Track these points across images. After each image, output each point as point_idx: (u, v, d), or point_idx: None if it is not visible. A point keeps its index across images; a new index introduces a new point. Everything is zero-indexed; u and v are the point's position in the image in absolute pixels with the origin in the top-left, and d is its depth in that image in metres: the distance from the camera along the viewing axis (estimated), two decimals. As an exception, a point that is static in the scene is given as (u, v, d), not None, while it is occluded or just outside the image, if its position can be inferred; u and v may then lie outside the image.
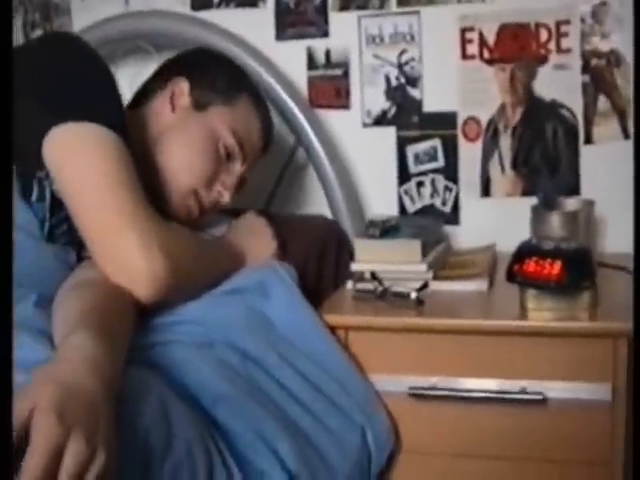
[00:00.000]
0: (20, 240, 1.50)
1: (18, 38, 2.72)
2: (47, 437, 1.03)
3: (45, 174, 1.56)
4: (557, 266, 1.64)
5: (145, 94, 1.90)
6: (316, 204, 2.38)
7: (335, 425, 1.63)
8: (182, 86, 1.85)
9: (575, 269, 1.66)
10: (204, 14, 2.46)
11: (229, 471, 1.40)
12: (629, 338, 1.61)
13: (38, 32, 2.69)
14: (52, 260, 1.58)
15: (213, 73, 1.90)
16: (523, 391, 1.68)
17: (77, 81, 1.61)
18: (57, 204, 1.57)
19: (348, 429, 1.65)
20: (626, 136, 2.22)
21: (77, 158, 1.53)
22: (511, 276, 1.72)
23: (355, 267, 1.94)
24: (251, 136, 1.91)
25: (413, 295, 1.78)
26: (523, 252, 1.71)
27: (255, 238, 1.88)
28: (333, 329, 1.75)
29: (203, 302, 1.64)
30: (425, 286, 1.82)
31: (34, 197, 1.57)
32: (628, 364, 1.63)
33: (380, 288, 1.83)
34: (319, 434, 1.60)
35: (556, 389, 1.67)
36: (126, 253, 1.48)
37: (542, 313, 1.69)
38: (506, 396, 1.69)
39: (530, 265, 1.68)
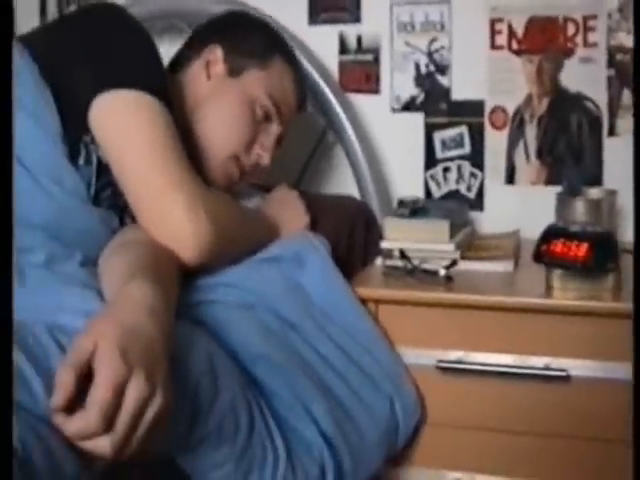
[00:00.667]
0: (68, 202, 1.54)
1: (53, 13, 2.76)
2: (112, 371, 1.07)
3: (91, 138, 1.59)
4: (584, 248, 1.68)
5: (180, 62, 1.92)
6: (345, 185, 2.41)
7: (366, 394, 1.67)
8: (216, 53, 1.87)
9: (601, 251, 1.69)
10: (238, -5, 2.49)
11: (268, 427, 1.46)
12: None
13: (73, 7, 2.72)
14: (97, 223, 1.61)
15: (246, 38, 1.91)
16: (547, 367, 1.72)
17: (122, 49, 1.64)
18: (103, 168, 1.61)
19: (378, 398, 1.69)
20: (649, 129, 2.25)
21: (123, 124, 1.57)
22: (538, 256, 1.75)
23: (385, 245, 1.96)
24: (286, 96, 1.93)
25: (442, 272, 1.83)
26: (551, 233, 1.75)
27: (288, 210, 1.91)
28: (364, 301, 1.78)
29: (243, 267, 1.68)
30: (454, 264, 1.85)
31: (81, 160, 1.60)
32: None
33: (409, 265, 1.87)
34: (351, 401, 1.64)
35: (579, 367, 1.70)
36: (173, 215, 1.52)
37: (567, 292, 1.72)
38: (530, 372, 1.72)
39: (557, 246, 1.71)
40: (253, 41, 1.91)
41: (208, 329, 1.49)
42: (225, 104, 1.84)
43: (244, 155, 1.87)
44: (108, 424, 1.06)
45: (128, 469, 1.23)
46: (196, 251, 1.54)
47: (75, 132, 1.59)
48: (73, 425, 1.06)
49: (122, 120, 1.58)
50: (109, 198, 1.65)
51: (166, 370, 1.17)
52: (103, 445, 1.07)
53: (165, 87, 1.68)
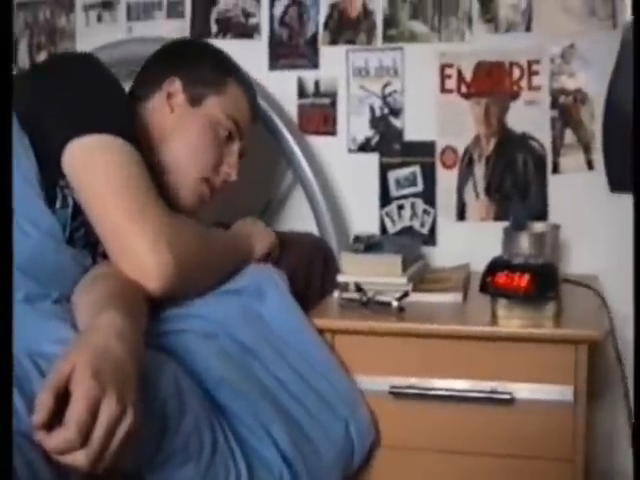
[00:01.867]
0: (44, 243, 1.62)
1: (24, 60, 2.84)
2: (86, 391, 1.17)
3: (66, 182, 1.66)
4: (525, 278, 1.77)
5: (139, 93, 1.98)
6: (304, 222, 2.47)
7: (322, 417, 1.75)
8: (176, 85, 1.93)
9: (541, 281, 1.78)
10: (203, 44, 2.59)
11: (230, 447, 1.54)
12: (589, 344, 1.75)
13: (43, 55, 2.81)
14: (71, 262, 1.67)
15: (199, 67, 1.98)
16: (493, 391, 1.80)
17: (91, 96, 1.71)
18: (77, 209, 1.68)
19: (334, 421, 1.77)
20: (590, 167, 2.35)
21: (91, 166, 1.64)
22: (484, 287, 1.83)
23: (341, 278, 2.04)
24: (243, 114, 2.01)
25: (394, 303, 1.91)
26: (495, 266, 1.83)
27: (255, 229, 2.02)
28: (321, 331, 1.86)
29: (207, 299, 1.75)
30: (405, 295, 1.94)
31: (58, 204, 1.66)
32: (589, 368, 1.76)
33: (364, 297, 1.95)
34: (308, 424, 1.72)
35: (523, 390, 1.79)
36: (136, 249, 1.59)
37: (511, 321, 1.80)
38: (478, 395, 1.81)
39: (501, 277, 1.79)
40: (207, 69, 1.98)
41: (175, 356, 1.57)
42: (192, 135, 1.92)
43: (213, 175, 1.96)
44: (84, 439, 1.16)
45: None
46: (159, 282, 1.60)
47: (51, 177, 1.66)
48: (53, 440, 1.15)
49: (90, 162, 1.64)
50: (82, 237, 1.71)
51: (135, 390, 1.26)
52: (80, 459, 1.16)
53: (133, 128, 1.76)
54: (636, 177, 1.67)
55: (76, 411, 1.16)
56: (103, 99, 1.74)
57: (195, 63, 2.00)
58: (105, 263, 1.69)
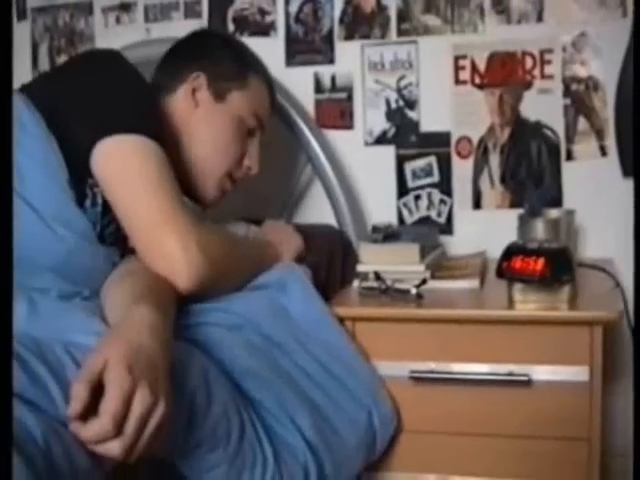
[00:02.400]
0: (76, 244, 1.65)
1: (44, 63, 2.90)
2: (119, 385, 1.21)
3: (94, 181, 1.68)
4: (540, 262, 1.79)
5: (162, 86, 1.98)
6: (323, 215, 2.50)
7: (345, 404, 1.78)
8: (201, 81, 1.95)
9: (556, 265, 1.80)
10: (220, 42, 2.63)
11: (257, 433, 1.58)
12: (604, 325, 1.78)
13: (63, 58, 2.86)
14: (102, 261, 1.71)
15: (222, 62, 1.99)
16: (511, 374, 1.83)
17: (118, 96, 1.73)
18: (106, 207, 1.70)
19: (356, 409, 1.79)
20: (603, 153, 2.38)
21: (120, 166, 1.66)
22: (500, 272, 1.86)
23: (361, 268, 2.07)
24: (265, 107, 2.05)
25: (413, 290, 1.94)
26: (511, 251, 1.85)
27: (282, 233, 2.05)
28: (342, 320, 1.89)
29: (232, 296, 1.78)
30: (424, 282, 1.97)
31: (87, 203, 1.69)
32: (604, 349, 1.79)
33: (383, 286, 1.99)
34: (331, 411, 1.75)
35: (540, 372, 1.82)
36: (167, 248, 1.62)
37: (527, 304, 1.83)
38: (496, 378, 1.84)
39: (517, 262, 1.82)
40: (229, 65, 1.99)
41: (202, 348, 1.60)
42: (217, 130, 1.95)
43: (236, 169, 2.00)
44: (118, 429, 1.20)
45: (133, 469, 1.34)
46: (190, 280, 1.63)
47: (80, 177, 1.68)
48: (88, 431, 1.19)
49: (120, 162, 1.66)
50: (112, 234, 1.74)
51: (166, 381, 1.31)
52: (114, 448, 1.21)
53: (159, 127, 1.77)
54: (636, 168, 1.70)
55: (111, 402, 1.20)
56: (130, 98, 1.75)
57: (218, 57, 2.01)
58: (134, 258, 1.72)
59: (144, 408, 1.23)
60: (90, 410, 1.21)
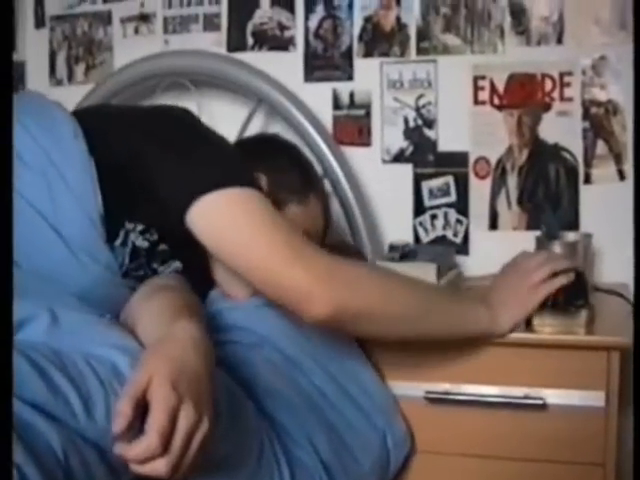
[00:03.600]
0: (101, 275, 1.65)
1: (62, 71, 2.91)
2: (165, 401, 1.21)
3: (133, 227, 1.69)
4: None
5: None
6: (339, 231, 2.49)
7: (360, 426, 1.78)
8: (262, 183, 1.84)
9: (570, 290, 1.80)
10: (239, 55, 2.63)
11: (275, 454, 1.59)
12: (621, 351, 1.77)
13: (81, 67, 2.87)
14: (126, 291, 1.68)
15: (286, 172, 1.96)
16: (526, 397, 1.83)
17: (206, 151, 1.72)
18: (137, 252, 1.71)
19: (371, 430, 1.80)
20: (621, 177, 2.37)
21: (233, 223, 1.64)
22: None
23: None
24: (318, 229, 2.01)
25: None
26: None
27: (513, 292, 1.84)
28: (358, 340, 1.88)
29: (249, 311, 1.78)
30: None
31: (118, 242, 1.69)
32: (620, 374, 1.78)
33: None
34: (347, 432, 1.75)
35: (556, 396, 1.82)
36: (297, 279, 1.58)
37: (544, 328, 1.82)
38: (511, 401, 1.84)
39: None
40: (293, 177, 1.97)
41: (225, 367, 1.60)
42: None
43: None
44: (165, 447, 1.20)
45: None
46: (324, 308, 1.59)
47: (120, 218, 1.68)
48: (134, 450, 1.19)
49: (229, 215, 1.64)
50: (140, 277, 1.73)
51: (209, 398, 1.30)
52: (160, 466, 1.20)
53: (252, 176, 1.76)
54: (636, 173, 1.69)
55: (157, 420, 1.19)
56: (222, 152, 1.76)
57: (282, 167, 1.97)
58: (163, 275, 1.72)
59: (189, 425, 1.23)
60: (133, 427, 1.20)
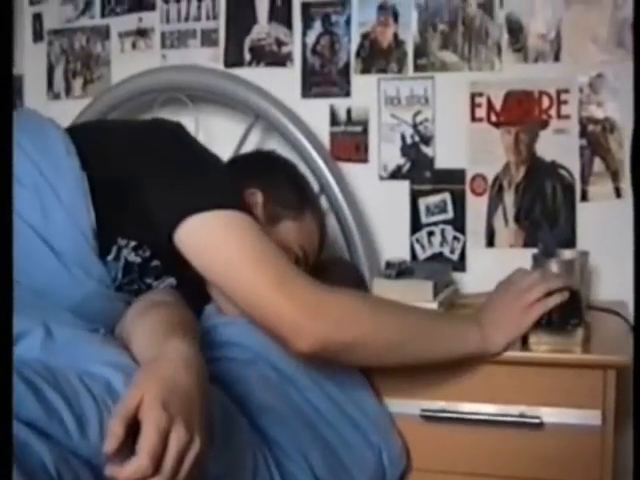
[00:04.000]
0: (93, 289, 1.66)
1: (59, 85, 2.91)
2: (156, 422, 1.20)
3: (126, 243, 1.70)
4: None
5: None
6: (336, 248, 2.49)
7: (355, 443, 1.78)
8: (257, 199, 1.91)
9: (564, 309, 1.80)
10: (236, 71, 2.64)
11: (270, 471, 1.58)
12: (618, 370, 1.77)
13: (79, 81, 2.88)
14: (121, 306, 1.69)
15: (282, 188, 1.97)
16: (522, 415, 1.83)
17: (197, 170, 1.73)
18: (129, 267, 1.72)
19: (366, 448, 1.79)
20: (618, 195, 2.37)
21: (221, 244, 1.65)
22: None
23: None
24: (313, 244, 2.02)
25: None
26: None
27: (506, 313, 1.83)
28: None
29: (243, 327, 1.76)
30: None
31: (110, 257, 1.70)
32: (617, 393, 1.78)
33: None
34: (342, 449, 1.75)
35: (551, 414, 1.81)
36: (282, 308, 1.59)
37: (540, 346, 1.82)
38: (507, 419, 1.83)
39: None
40: (288, 193, 1.98)
41: (220, 383, 1.60)
42: None
43: None
44: (156, 468, 1.19)
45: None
46: (308, 342, 1.60)
47: (113, 234, 1.69)
48: (126, 471, 1.18)
49: (217, 240, 1.65)
50: (133, 291, 1.74)
51: (202, 418, 1.30)
52: None
53: (240, 200, 1.76)
54: (635, 178, 1.69)
55: (148, 441, 1.19)
56: (213, 173, 1.76)
57: (278, 183, 1.99)
58: (158, 290, 1.72)
59: (180, 446, 1.22)
60: (124, 447, 1.20)
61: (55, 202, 1.63)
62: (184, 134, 1.83)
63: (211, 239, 1.65)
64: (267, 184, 1.95)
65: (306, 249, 1.98)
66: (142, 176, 1.69)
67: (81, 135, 1.77)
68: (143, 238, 1.71)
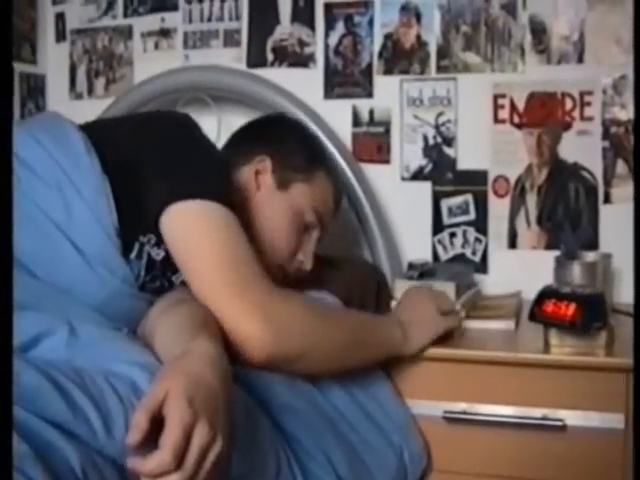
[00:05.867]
0: (118, 289, 1.65)
1: (82, 85, 2.93)
2: (180, 417, 1.19)
3: (147, 240, 1.70)
4: (572, 308, 1.79)
5: (229, 160, 1.92)
6: (357, 248, 2.51)
7: (376, 442, 1.78)
8: (266, 165, 1.93)
9: (588, 311, 1.80)
10: (259, 71, 2.65)
11: (292, 471, 1.58)
12: (640, 373, 1.78)
13: (101, 80, 2.90)
14: (144, 305, 1.69)
15: (292, 151, 1.97)
16: (545, 418, 1.83)
17: (195, 159, 1.72)
18: (152, 263, 1.72)
19: (387, 447, 1.80)
20: (641, 197, 2.36)
21: (194, 234, 1.64)
22: (532, 315, 1.87)
23: (395, 305, 2.04)
24: (328, 207, 2.02)
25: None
26: (544, 295, 1.86)
27: (423, 313, 1.90)
28: None
29: None
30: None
31: (133, 255, 1.69)
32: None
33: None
34: (363, 449, 1.75)
35: (574, 417, 1.81)
36: (236, 322, 1.58)
37: (563, 349, 1.83)
38: (529, 422, 1.83)
39: (549, 306, 1.83)
40: (299, 155, 1.97)
41: (241, 382, 1.58)
42: (275, 219, 1.92)
43: (288, 263, 1.95)
44: (178, 463, 1.18)
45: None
46: (257, 352, 1.58)
47: (134, 231, 1.69)
48: (149, 464, 1.17)
49: (191, 230, 1.65)
50: (158, 289, 1.74)
51: (226, 416, 1.29)
52: None
53: (231, 194, 1.75)
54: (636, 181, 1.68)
55: (172, 436, 1.18)
56: (202, 166, 1.74)
57: (288, 147, 1.99)
58: (181, 289, 1.72)
59: (204, 442, 1.21)
60: (148, 440, 1.19)
61: (78, 201, 1.63)
62: (187, 124, 1.83)
63: (185, 227, 1.66)
64: (276, 149, 1.96)
65: (320, 210, 1.97)
66: (144, 165, 1.69)
67: (96, 130, 1.78)
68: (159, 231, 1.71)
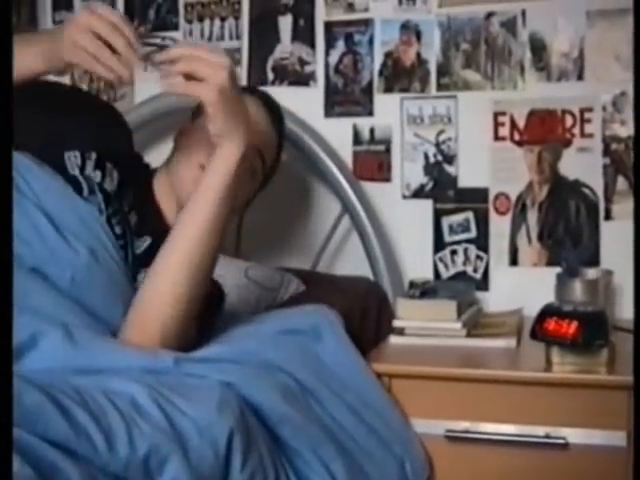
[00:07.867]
0: (87, 256, 1.65)
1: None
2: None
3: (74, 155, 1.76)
4: (573, 326, 1.79)
5: None
6: (359, 267, 2.50)
7: (377, 454, 1.77)
8: (189, 126, 1.94)
9: (590, 329, 1.80)
10: (259, 90, 2.65)
11: (291, 484, 1.59)
12: (642, 391, 1.78)
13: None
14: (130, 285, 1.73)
15: None
16: (547, 436, 1.82)
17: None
18: (107, 197, 1.74)
19: (389, 458, 1.78)
20: (643, 214, 2.37)
21: None
22: (534, 334, 1.86)
23: (397, 323, 2.08)
24: (264, 137, 1.95)
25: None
26: (545, 313, 1.86)
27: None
28: (378, 376, 1.88)
29: (263, 339, 1.78)
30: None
31: (85, 193, 1.71)
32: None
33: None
34: (364, 460, 1.73)
35: (576, 435, 1.81)
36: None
37: (565, 366, 1.82)
38: (532, 440, 1.83)
39: (550, 324, 1.82)
40: None
41: (237, 390, 1.58)
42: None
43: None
44: None
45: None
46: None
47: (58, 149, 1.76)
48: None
49: None
50: (120, 223, 1.75)
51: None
52: None
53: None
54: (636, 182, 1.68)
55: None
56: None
57: None
58: None
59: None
60: None
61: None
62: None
63: None
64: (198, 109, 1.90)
65: (257, 144, 1.86)
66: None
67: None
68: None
